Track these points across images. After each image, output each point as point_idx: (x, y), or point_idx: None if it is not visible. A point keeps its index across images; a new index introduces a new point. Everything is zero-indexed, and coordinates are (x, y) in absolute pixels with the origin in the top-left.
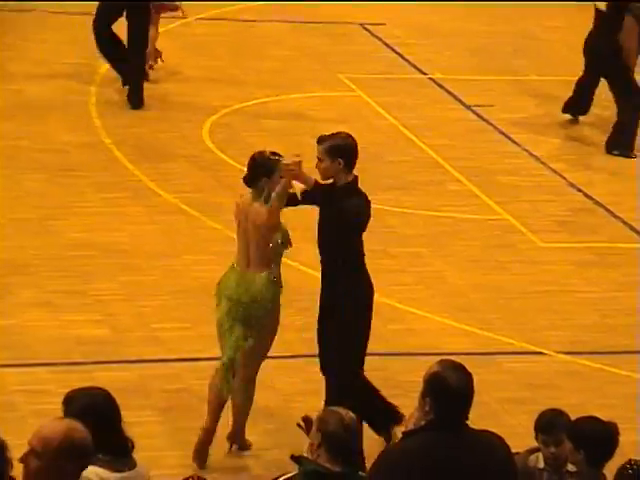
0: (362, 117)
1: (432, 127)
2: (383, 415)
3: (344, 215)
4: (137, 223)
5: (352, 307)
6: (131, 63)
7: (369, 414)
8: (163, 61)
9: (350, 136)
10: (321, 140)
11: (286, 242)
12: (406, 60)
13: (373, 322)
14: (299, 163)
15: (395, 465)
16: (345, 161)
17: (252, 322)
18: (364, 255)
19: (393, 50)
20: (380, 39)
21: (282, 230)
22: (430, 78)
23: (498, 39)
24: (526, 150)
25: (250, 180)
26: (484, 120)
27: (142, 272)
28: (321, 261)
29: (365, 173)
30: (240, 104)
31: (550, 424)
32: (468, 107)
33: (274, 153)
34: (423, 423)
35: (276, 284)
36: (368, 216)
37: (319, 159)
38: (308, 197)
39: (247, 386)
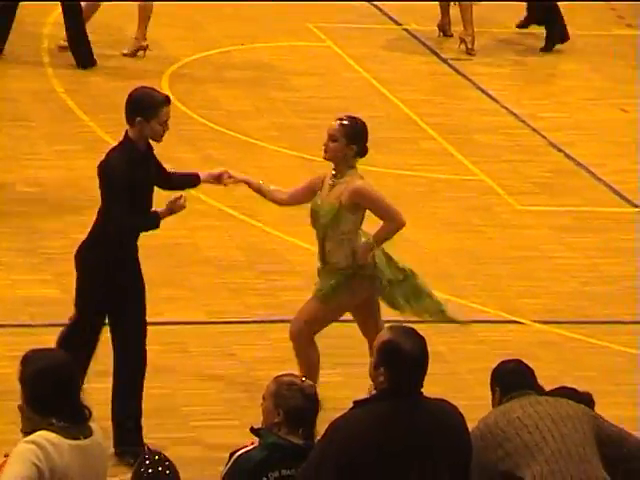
0: (331, 69)
1: (406, 81)
2: None
3: None
4: (91, 177)
5: None
6: (69, 29)
7: None
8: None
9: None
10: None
11: None
12: (379, 9)
13: None
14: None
15: (348, 436)
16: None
17: None
18: None
19: None
20: None
21: None
22: (405, 29)
23: None
24: (505, 107)
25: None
26: (461, 74)
27: None
28: None
29: None
30: (202, 53)
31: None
32: (444, 60)
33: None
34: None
35: None
36: None
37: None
38: None
39: None
